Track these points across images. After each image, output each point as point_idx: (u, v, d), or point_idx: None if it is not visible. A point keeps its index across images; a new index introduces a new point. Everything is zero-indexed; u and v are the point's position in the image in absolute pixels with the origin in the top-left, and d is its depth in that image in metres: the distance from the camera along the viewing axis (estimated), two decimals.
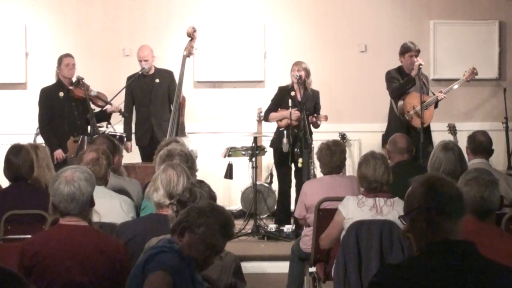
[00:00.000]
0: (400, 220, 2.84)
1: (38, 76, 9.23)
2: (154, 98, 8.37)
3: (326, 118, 8.07)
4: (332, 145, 5.83)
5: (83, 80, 7.89)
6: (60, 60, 8.11)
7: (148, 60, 8.35)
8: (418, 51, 8.09)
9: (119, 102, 8.25)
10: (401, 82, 8.02)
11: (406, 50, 8.11)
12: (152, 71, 8.42)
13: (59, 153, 7.84)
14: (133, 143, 8.42)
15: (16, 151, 5.25)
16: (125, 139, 8.03)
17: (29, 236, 4.10)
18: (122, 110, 8.18)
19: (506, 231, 4.11)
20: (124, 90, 8.36)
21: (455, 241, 2.67)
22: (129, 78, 8.42)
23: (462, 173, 3.98)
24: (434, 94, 8.15)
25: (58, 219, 3.69)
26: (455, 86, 8.26)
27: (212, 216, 3.31)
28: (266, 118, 8.27)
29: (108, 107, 8.16)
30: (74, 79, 7.95)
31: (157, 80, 8.39)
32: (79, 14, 9.42)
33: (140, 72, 8.32)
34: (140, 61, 8.37)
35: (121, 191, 5.26)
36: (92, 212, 3.77)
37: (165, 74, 8.48)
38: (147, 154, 8.23)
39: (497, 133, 8.82)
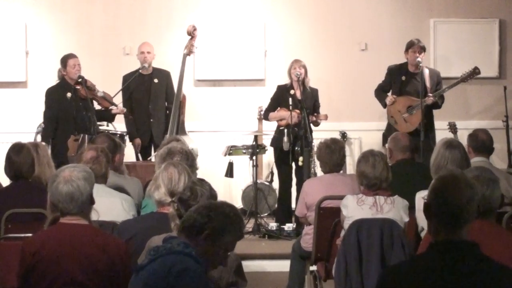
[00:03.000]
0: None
1: (38, 75, 9.23)
2: (153, 98, 8.32)
3: (326, 117, 8.09)
4: (331, 143, 5.83)
5: (85, 79, 7.85)
6: (65, 61, 7.95)
7: (150, 52, 8.31)
8: (422, 48, 8.09)
9: (119, 101, 8.22)
10: (379, 96, 8.31)
11: (409, 46, 8.15)
12: (150, 71, 8.38)
13: None
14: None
15: (17, 149, 5.24)
16: (126, 137, 8.00)
17: (30, 234, 4.10)
18: (127, 112, 8.14)
19: (507, 230, 4.11)
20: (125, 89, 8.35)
21: (458, 241, 2.67)
22: (125, 77, 8.37)
23: None
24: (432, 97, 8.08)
25: (58, 218, 3.68)
26: (446, 89, 8.18)
27: (235, 222, 3.29)
28: (265, 117, 8.29)
29: (113, 108, 8.13)
30: (78, 79, 7.86)
31: (155, 80, 8.35)
32: (80, 12, 9.42)
33: (140, 71, 8.31)
34: (142, 52, 8.30)
35: (119, 189, 5.23)
36: (91, 210, 3.76)
37: (163, 74, 8.43)
38: (147, 154, 8.23)
39: (497, 131, 8.81)
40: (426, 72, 8.13)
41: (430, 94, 7.98)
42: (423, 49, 8.11)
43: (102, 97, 7.96)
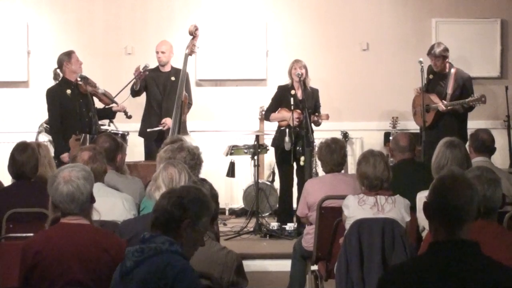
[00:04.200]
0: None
1: (40, 74, 9.23)
2: (168, 95, 8.32)
3: (327, 116, 8.08)
4: (331, 142, 5.83)
5: (86, 79, 7.83)
6: (68, 57, 7.74)
7: (165, 52, 8.33)
8: (435, 55, 8.05)
9: (123, 99, 8.22)
10: None
11: (428, 53, 8.12)
12: (168, 69, 8.40)
13: (65, 157, 7.59)
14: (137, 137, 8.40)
15: (22, 148, 5.25)
16: (127, 137, 7.99)
17: (31, 234, 4.10)
18: (127, 110, 8.14)
19: (508, 229, 4.11)
20: (126, 88, 8.35)
21: (458, 241, 2.66)
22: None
23: None
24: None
25: (58, 218, 3.68)
26: (457, 106, 8.11)
27: (207, 201, 3.27)
28: (266, 117, 8.29)
29: (114, 105, 8.12)
30: (78, 78, 7.82)
31: (172, 78, 8.35)
32: (81, 12, 9.43)
33: (142, 70, 8.31)
34: (156, 52, 8.36)
35: (118, 190, 5.22)
36: (92, 209, 3.76)
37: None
38: (153, 150, 8.20)
39: (498, 131, 8.82)
40: (452, 73, 8.11)
41: (444, 101, 7.97)
42: (436, 56, 8.05)
43: (102, 93, 7.97)
